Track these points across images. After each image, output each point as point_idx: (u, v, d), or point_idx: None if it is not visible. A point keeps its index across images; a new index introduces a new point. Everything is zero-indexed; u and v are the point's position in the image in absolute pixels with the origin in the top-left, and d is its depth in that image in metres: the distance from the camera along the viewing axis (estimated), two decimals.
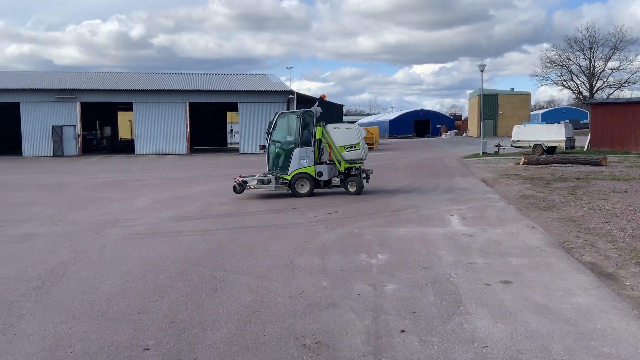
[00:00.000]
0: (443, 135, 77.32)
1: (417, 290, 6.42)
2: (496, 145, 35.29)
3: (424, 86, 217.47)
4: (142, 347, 4.86)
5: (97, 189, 18.53)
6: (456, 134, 78.40)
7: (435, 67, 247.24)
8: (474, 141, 50.75)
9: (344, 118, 54.59)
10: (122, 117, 60.09)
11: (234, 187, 15.02)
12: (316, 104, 15.34)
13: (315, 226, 10.71)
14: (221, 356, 4.66)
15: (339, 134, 15.17)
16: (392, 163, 28.08)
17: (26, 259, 8.27)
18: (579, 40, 61.28)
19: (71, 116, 40.89)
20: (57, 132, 40.72)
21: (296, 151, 14.86)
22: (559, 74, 63.39)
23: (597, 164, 22.96)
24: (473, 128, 73.01)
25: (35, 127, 40.47)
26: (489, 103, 68.17)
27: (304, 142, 14.92)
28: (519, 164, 24.56)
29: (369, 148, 44.99)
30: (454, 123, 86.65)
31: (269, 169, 15.20)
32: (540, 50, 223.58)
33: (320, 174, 14.93)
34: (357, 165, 15.27)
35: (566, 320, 5.40)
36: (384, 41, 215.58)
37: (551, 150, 32.13)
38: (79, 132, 41.22)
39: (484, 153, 33.01)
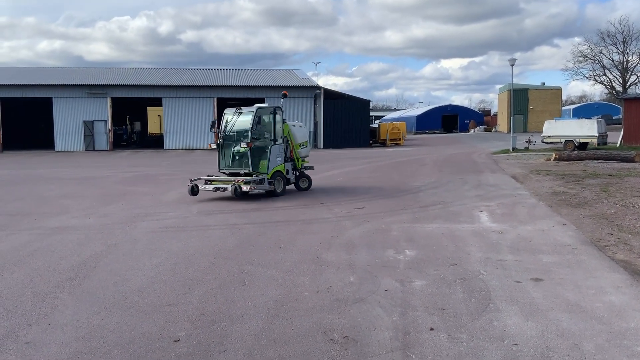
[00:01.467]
0: (471, 131, 76.37)
1: (445, 286, 6.37)
2: (526, 141, 34.70)
3: (452, 81, 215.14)
4: (172, 339, 4.93)
5: (127, 183, 18.86)
6: (485, 130, 77.35)
7: (464, 61, 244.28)
8: (504, 137, 50.06)
9: (371, 114, 54.22)
10: (152, 112, 60.87)
11: (191, 189, 14.27)
12: (281, 101, 15.24)
13: (342, 221, 10.71)
14: (250, 349, 4.70)
15: (297, 131, 15.32)
16: (420, 159, 27.88)
17: (59, 251, 8.46)
18: (612, 34, 59.94)
19: (102, 111, 41.62)
20: (89, 127, 41.51)
21: (274, 148, 14.21)
22: (591, 69, 62.17)
23: (630, 160, 22.41)
24: (502, 123, 71.96)
25: (67, 122, 41.31)
26: (519, 98, 67.05)
27: (278, 139, 14.48)
28: (550, 160, 24.14)
29: (395, 143, 45.35)
30: (482, 118, 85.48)
31: (241, 168, 14.19)
32: (572, 44, 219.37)
33: (287, 172, 14.82)
34: (306, 163, 15.77)
35: (598, 319, 5.29)
36: (411, 35, 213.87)
37: (583, 146, 31.47)
38: (109, 127, 41.94)
39: (513, 149, 32.52)
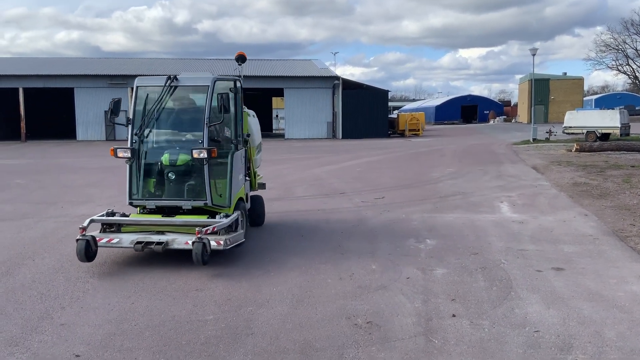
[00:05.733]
0: (491, 122, 75.71)
1: (466, 275, 6.45)
2: (547, 132, 34.35)
3: (471, 71, 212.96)
4: (201, 321, 5.09)
5: None
6: (505, 120, 76.63)
7: (483, 51, 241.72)
8: (524, 127, 49.58)
9: (389, 104, 53.97)
10: None
11: (85, 247, 6.74)
12: (239, 69, 8.59)
13: (362, 211, 10.80)
14: (276, 332, 4.84)
15: (253, 125, 8.99)
16: (439, 149, 27.80)
17: None
18: (636, 22, 58.76)
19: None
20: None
21: (236, 156, 7.72)
22: (614, 58, 61.13)
23: None
24: (523, 114, 71.25)
25: (88, 112, 41.81)
26: (540, 88, 66.26)
27: (241, 140, 8.02)
28: (571, 150, 23.92)
29: (414, 134, 45.11)
30: (502, 109, 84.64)
31: (210, 200, 7.14)
32: (594, 33, 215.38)
33: (246, 198, 8.49)
34: (259, 179, 9.59)
35: (620, 308, 5.34)
36: (429, 25, 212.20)
37: (605, 137, 31.07)
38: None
39: (534, 140, 32.24)
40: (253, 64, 49.03)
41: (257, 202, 9.18)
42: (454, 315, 5.15)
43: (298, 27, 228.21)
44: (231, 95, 7.58)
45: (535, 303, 5.49)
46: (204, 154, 6.89)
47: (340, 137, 40.79)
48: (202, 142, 7.03)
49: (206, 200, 7.14)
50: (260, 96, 54.53)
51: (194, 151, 6.93)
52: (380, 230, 8.99)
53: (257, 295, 5.86)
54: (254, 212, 8.98)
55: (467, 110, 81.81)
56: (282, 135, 44.13)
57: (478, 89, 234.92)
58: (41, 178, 17.50)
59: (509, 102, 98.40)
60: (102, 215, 7.38)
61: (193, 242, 6.46)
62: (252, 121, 8.99)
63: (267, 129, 58.39)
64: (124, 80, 42.10)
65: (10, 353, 4.50)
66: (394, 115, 50.41)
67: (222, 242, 6.66)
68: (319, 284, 6.19)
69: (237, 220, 7.36)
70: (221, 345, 4.58)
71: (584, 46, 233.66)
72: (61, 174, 18.79)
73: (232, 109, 7.61)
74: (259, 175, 9.53)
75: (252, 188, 8.93)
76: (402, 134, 43.41)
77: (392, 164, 20.61)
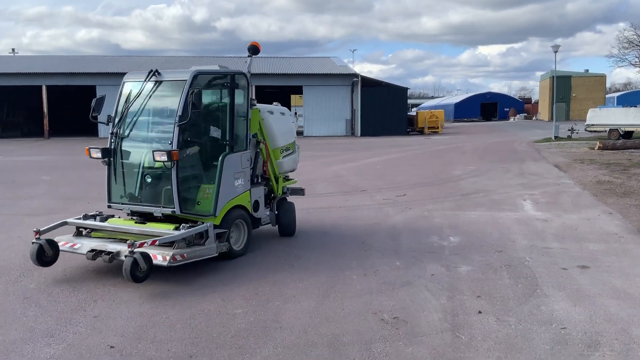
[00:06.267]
0: (511, 119, 75.03)
1: (491, 272, 6.47)
2: (569, 129, 33.98)
3: (490, 68, 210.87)
4: (230, 315, 5.20)
5: None
6: (525, 118, 75.88)
7: (503, 47, 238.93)
8: (545, 125, 49.07)
9: (408, 102, 53.68)
10: None
11: (37, 251, 6.45)
12: (248, 61, 7.71)
13: (384, 208, 10.84)
14: (304, 326, 4.92)
15: (276, 124, 8.23)
16: (459, 147, 27.67)
17: None
18: None
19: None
20: None
21: (230, 160, 7.02)
22: (637, 55, 59.93)
23: None
24: (544, 111, 70.49)
25: (110, 109, 42.35)
26: (562, 85, 65.44)
27: (238, 141, 7.25)
28: (593, 148, 23.65)
29: (433, 132, 44.86)
30: (523, 106, 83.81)
31: (178, 207, 6.57)
32: (616, 29, 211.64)
33: (256, 206, 7.65)
34: (289, 184, 8.87)
35: None
36: (448, 21, 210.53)
37: (628, 134, 30.64)
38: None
39: (556, 137, 31.91)
40: (272, 62, 49.21)
41: (284, 209, 8.27)
42: (479, 312, 5.18)
43: (316, 24, 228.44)
44: (224, 92, 7.14)
45: (562, 300, 5.49)
46: (164, 157, 6.24)
47: (359, 134, 40.78)
48: (172, 142, 6.37)
49: (174, 208, 6.49)
50: (279, 94, 54.76)
51: (154, 153, 6.32)
52: (403, 228, 9.02)
53: (283, 290, 5.95)
54: (280, 221, 8.25)
55: (486, 108, 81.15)
56: (300, 133, 44.28)
57: (498, 86, 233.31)
58: (66, 174, 17.80)
59: (530, 99, 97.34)
60: (79, 218, 7.18)
61: (127, 257, 5.76)
62: (272, 118, 8.11)
63: None
64: None
65: (47, 344, 4.64)
66: (412, 112, 50.21)
67: (167, 258, 5.93)
68: (344, 280, 6.26)
69: (203, 233, 6.48)
70: (251, 338, 4.67)
71: (606, 43, 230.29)
72: (86, 170, 19.07)
73: (216, 105, 7.24)
74: (292, 179, 8.90)
75: (275, 194, 8.21)
76: (421, 132, 43.26)
77: (412, 162, 20.58)
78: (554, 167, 17.77)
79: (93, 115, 7.26)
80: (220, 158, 6.89)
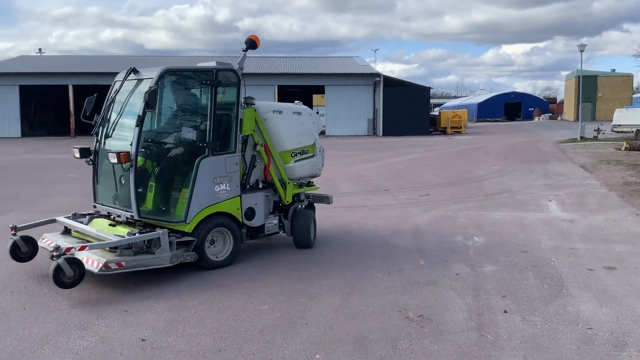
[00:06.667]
0: (536, 119, 74.13)
1: (517, 272, 6.45)
2: (595, 130, 33.49)
3: (514, 67, 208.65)
4: (257, 311, 5.29)
5: None
6: (550, 118, 74.91)
7: (527, 47, 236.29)
8: (570, 125, 48.40)
9: (430, 101, 53.39)
10: None
11: (11, 247, 6.64)
12: (242, 55, 7.26)
13: (407, 208, 10.85)
14: (330, 323, 4.99)
15: (282, 125, 7.52)
16: (483, 147, 27.46)
17: None
18: None
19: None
20: None
21: (205, 163, 6.56)
22: None
23: None
24: (569, 111, 69.53)
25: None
26: (588, 85, 64.52)
27: (221, 143, 6.77)
28: (620, 149, 23.28)
29: (456, 131, 44.59)
30: (548, 106, 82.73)
31: (136, 212, 6.23)
32: None
33: (250, 213, 7.13)
34: (308, 190, 8.11)
35: None
36: (471, 20, 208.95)
37: None
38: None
39: (581, 138, 31.47)
40: (294, 61, 49.40)
41: (298, 218, 7.62)
42: (505, 311, 5.19)
43: (338, 24, 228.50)
44: (204, 90, 6.72)
45: (588, 301, 5.47)
46: (114, 159, 6.04)
47: (381, 134, 40.71)
48: (132, 143, 6.12)
49: (133, 212, 6.21)
50: (301, 93, 54.95)
51: (109, 155, 6.15)
52: (426, 227, 9.03)
53: (308, 287, 6.02)
54: (294, 231, 7.63)
55: (510, 108, 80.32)
56: (322, 133, 44.38)
57: (522, 86, 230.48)
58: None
59: (555, 99, 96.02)
60: (68, 217, 7.16)
61: (53, 264, 5.57)
62: (280, 120, 7.46)
63: None
64: None
65: (80, 336, 4.78)
66: (435, 112, 49.94)
67: (100, 265, 5.71)
68: (368, 278, 6.31)
69: (153, 240, 6.14)
70: (278, 334, 4.75)
71: (633, 42, 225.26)
72: None
73: (191, 104, 6.89)
74: (313, 185, 8.22)
75: (284, 200, 7.57)
76: (443, 132, 43.03)
77: (435, 162, 20.51)
78: (579, 167, 17.56)
79: (85, 115, 6.86)
80: (196, 161, 6.47)
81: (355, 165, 19.29)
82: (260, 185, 7.38)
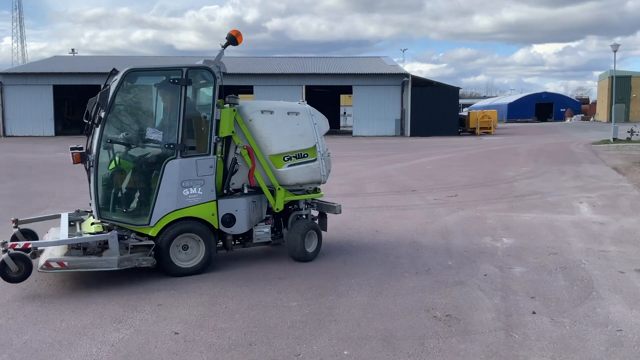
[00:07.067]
0: (567, 120, 72.82)
1: (546, 274, 6.42)
2: (629, 131, 32.75)
3: (546, 67, 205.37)
4: (286, 307, 5.39)
5: None
6: (582, 119, 73.49)
7: (559, 46, 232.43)
8: (603, 126, 47.45)
9: (459, 101, 52.88)
10: (242, 99, 63.15)
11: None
12: (219, 52, 6.88)
13: (435, 208, 10.84)
14: (358, 320, 5.05)
15: (272, 126, 6.98)
16: (512, 148, 27.14)
17: None
18: None
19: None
20: None
21: (172, 165, 6.37)
22: None
23: None
24: (602, 112, 68.11)
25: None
26: (621, 85, 63.11)
27: (193, 145, 6.66)
28: None
29: (485, 132, 44.10)
30: (580, 107, 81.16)
31: (96, 212, 6.35)
32: None
33: (229, 220, 6.72)
34: (308, 197, 7.42)
35: None
36: (501, 19, 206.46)
37: None
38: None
39: (614, 139, 30.83)
40: (321, 62, 49.53)
41: (293, 229, 7.07)
42: (534, 313, 5.18)
43: (366, 23, 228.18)
44: (173, 89, 6.40)
45: (618, 303, 5.42)
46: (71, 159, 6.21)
47: (409, 134, 40.55)
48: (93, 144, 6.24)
49: (94, 213, 6.29)
50: (328, 93, 55.07)
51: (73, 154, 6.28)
52: (454, 228, 9.02)
53: (336, 285, 6.10)
54: (286, 242, 7.12)
55: (541, 108, 79.04)
56: (349, 133, 44.39)
57: (553, 86, 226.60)
58: None
59: (587, 99, 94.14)
60: (72, 213, 7.30)
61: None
62: (269, 121, 6.94)
63: (333, 126, 58.90)
64: None
65: (115, 329, 4.94)
66: (464, 112, 49.47)
67: (42, 263, 5.82)
68: (396, 277, 6.36)
69: (108, 242, 6.07)
70: (307, 329, 4.84)
71: None
72: None
73: (158, 105, 6.79)
74: (317, 190, 7.53)
75: (274, 208, 7.01)
76: (472, 132, 42.63)
77: (463, 162, 20.37)
78: (612, 169, 17.24)
79: (87, 116, 6.56)
80: (163, 164, 6.30)
81: (382, 166, 19.29)
82: (246, 190, 6.90)
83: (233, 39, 6.81)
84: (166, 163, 6.31)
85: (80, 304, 5.59)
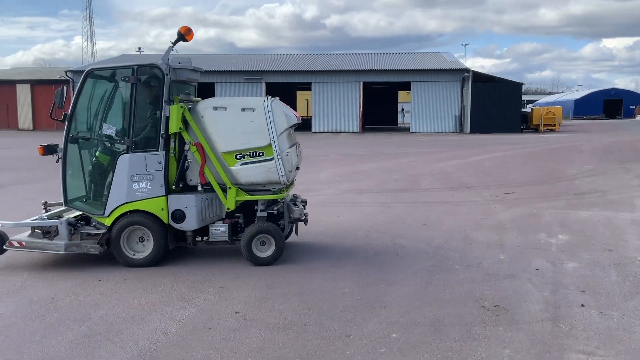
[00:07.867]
0: (637, 117, 69.55)
1: (598, 269, 6.42)
2: None
3: (615, 62, 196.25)
4: (338, 293, 5.69)
5: None
6: None
7: (630, 40, 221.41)
8: None
9: (522, 97, 51.54)
10: (300, 96, 63.76)
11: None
12: (167, 49, 6.89)
13: (491, 205, 10.84)
14: (407, 307, 5.28)
15: (224, 122, 6.78)
16: (576, 146, 26.35)
17: None
18: None
19: (257, 96, 44.41)
20: None
21: (122, 160, 6.71)
22: None
23: None
24: None
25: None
26: None
27: (142, 140, 6.77)
28: None
29: (549, 129, 42.77)
30: None
31: (64, 200, 6.98)
32: None
33: (179, 216, 6.75)
34: (268, 198, 6.94)
35: None
36: (569, 12, 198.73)
37: None
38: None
39: None
40: (379, 58, 49.45)
41: (247, 230, 6.83)
42: (582, 305, 5.25)
43: (426, 18, 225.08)
44: (125, 86, 6.76)
45: None
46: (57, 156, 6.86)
47: (468, 131, 39.99)
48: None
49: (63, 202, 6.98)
50: (386, 89, 54.93)
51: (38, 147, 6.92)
52: (509, 224, 9.04)
53: (387, 275, 6.33)
54: (270, 240, 6.79)
55: (610, 105, 75.78)
56: (407, 129, 44.21)
57: (623, 82, 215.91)
58: None
59: None
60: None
61: None
62: (221, 117, 6.73)
63: (391, 123, 58.69)
64: (259, 75, 44.58)
65: (182, 307, 5.38)
66: (527, 109, 48.21)
67: (19, 242, 6.73)
68: (446, 269, 6.52)
69: (53, 227, 6.82)
70: (358, 314, 5.11)
71: None
72: None
73: (114, 102, 7.01)
74: (284, 192, 6.97)
75: (226, 207, 6.83)
76: (536, 129, 41.51)
77: (524, 160, 20.02)
78: None
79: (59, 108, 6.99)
80: (116, 158, 6.71)
81: (439, 162, 19.25)
82: (199, 187, 6.91)
83: (182, 36, 6.83)
84: (118, 157, 6.70)
85: (149, 284, 6.08)
